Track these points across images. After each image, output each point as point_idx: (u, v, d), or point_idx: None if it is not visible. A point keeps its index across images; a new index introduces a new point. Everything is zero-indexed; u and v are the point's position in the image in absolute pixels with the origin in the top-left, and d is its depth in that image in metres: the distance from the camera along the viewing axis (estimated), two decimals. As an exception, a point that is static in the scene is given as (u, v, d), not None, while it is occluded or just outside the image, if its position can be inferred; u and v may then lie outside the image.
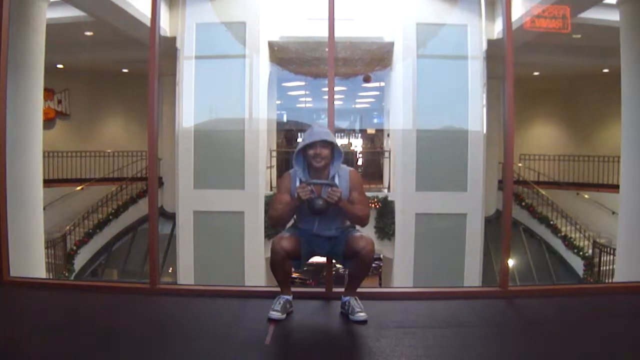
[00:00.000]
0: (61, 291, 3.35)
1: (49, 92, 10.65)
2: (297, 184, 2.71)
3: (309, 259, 2.81)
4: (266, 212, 8.21)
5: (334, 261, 3.03)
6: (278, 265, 2.65)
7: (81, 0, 6.99)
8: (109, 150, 11.07)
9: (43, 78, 5.51)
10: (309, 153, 2.70)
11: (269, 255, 2.67)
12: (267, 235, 8.11)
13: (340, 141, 14.02)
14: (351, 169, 2.86)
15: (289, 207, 2.70)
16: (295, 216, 2.85)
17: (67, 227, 9.35)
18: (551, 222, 9.93)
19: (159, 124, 3.40)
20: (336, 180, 2.73)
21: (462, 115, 8.16)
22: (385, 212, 8.57)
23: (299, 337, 2.57)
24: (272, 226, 3.03)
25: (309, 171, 2.75)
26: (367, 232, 2.78)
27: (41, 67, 5.44)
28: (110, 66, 10.61)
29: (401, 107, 8.39)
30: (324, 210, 2.62)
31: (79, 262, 9.36)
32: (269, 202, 8.24)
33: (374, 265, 13.91)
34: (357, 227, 2.87)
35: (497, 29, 8.01)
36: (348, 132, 15.58)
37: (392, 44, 8.61)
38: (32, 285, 3.39)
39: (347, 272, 2.86)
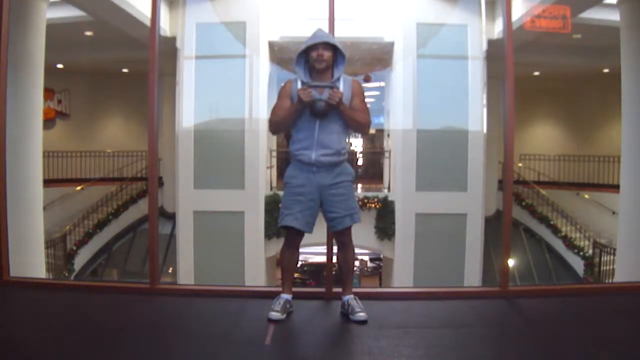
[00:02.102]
0: (61, 291, 3.35)
1: (49, 92, 10.64)
2: (299, 87, 2.66)
3: (315, 215, 2.73)
4: (266, 212, 8.21)
5: (334, 260, 3.03)
6: (291, 251, 2.71)
7: (81, 0, 6.99)
8: (109, 150, 11.07)
9: (43, 78, 5.52)
10: (311, 55, 2.64)
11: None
12: (267, 235, 8.11)
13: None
14: (353, 78, 2.80)
15: (290, 111, 2.66)
16: (293, 130, 2.75)
17: (67, 227, 9.35)
18: (551, 222, 9.93)
19: (159, 124, 3.40)
20: (339, 85, 2.68)
21: (462, 115, 8.16)
22: (385, 212, 8.57)
23: (299, 337, 2.57)
24: (272, 133, 2.97)
25: (312, 76, 2.69)
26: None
27: (41, 67, 5.45)
28: (110, 66, 10.60)
29: (401, 107, 8.39)
30: (325, 112, 2.58)
31: (79, 262, 9.36)
32: (271, 203, 8.26)
33: (374, 265, 13.95)
34: (353, 193, 2.80)
35: (497, 29, 8.01)
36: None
37: (392, 44, 8.62)
38: (32, 285, 3.38)
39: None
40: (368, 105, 2.83)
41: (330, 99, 2.57)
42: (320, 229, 2.98)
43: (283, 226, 2.68)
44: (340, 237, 2.74)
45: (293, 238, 2.72)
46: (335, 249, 2.93)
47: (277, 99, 2.78)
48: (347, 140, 2.78)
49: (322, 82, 2.65)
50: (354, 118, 2.67)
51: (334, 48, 2.66)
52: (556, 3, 5.30)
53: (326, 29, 3.20)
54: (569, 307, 2.99)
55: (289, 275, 2.80)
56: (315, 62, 2.64)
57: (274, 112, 2.74)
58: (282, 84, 2.82)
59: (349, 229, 2.72)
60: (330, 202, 2.68)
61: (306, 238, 2.77)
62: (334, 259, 3.01)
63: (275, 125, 2.75)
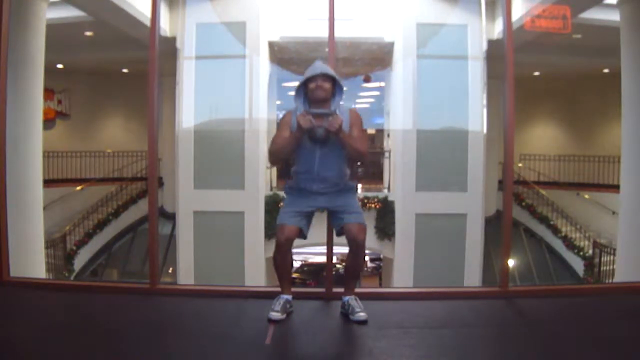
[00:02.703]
0: (61, 291, 3.35)
1: (49, 92, 10.64)
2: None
3: (311, 221, 2.77)
4: (266, 212, 8.21)
5: (334, 260, 3.03)
6: (282, 256, 2.67)
7: (81, 0, 6.99)
8: (109, 150, 11.07)
9: (43, 78, 5.52)
10: (310, 86, 2.68)
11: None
12: (267, 235, 8.11)
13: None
14: (351, 107, 2.84)
15: (289, 141, 2.68)
16: (294, 160, 2.79)
17: (67, 227, 9.35)
18: (551, 222, 9.93)
19: (159, 124, 3.39)
20: (337, 113, 2.71)
21: (462, 115, 8.16)
22: (385, 212, 8.57)
23: (299, 337, 2.57)
24: (271, 163, 3.00)
25: (310, 106, 2.72)
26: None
27: (41, 67, 5.45)
28: (110, 66, 10.61)
29: (401, 107, 8.39)
30: (324, 139, 2.61)
31: (79, 262, 9.36)
32: (271, 203, 8.26)
33: (374, 265, 13.95)
34: (357, 203, 2.82)
35: (497, 29, 8.01)
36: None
37: (392, 44, 8.61)
38: (32, 285, 3.38)
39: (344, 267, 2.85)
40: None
41: (330, 125, 2.59)
42: (321, 229, 2.98)
43: (278, 224, 2.71)
44: (351, 234, 2.66)
45: (283, 241, 2.65)
46: (337, 250, 2.93)
47: (277, 129, 2.80)
48: (347, 170, 2.80)
49: (321, 109, 2.67)
50: (353, 146, 2.68)
51: (332, 80, 2.69)
52: (556, 3, 5.30)
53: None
54: (569, 307, 2.99)
55: (287, 277, 2.80)
56: (314, 93, 2.67)
57: (273, 142, 2.76)
58: (282, 115, 2.84)
59: (359, 228, 2.67)
60: (333, 207, 2.75)
61: (306, 239, 2.77)
62: (334, 259, 3.01)
63: (275, 155, 2.77)
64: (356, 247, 2.67)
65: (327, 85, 2.67)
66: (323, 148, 2.66)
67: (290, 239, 2.65)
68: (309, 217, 2.75)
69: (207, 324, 2.69)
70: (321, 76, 2.67)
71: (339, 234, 2.78)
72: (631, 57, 5.49)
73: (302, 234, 2.71)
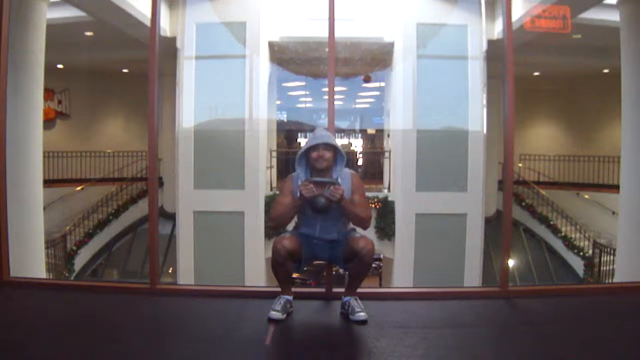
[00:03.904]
0: (61, 291, 3.35)
1: (49, 92, 10.65)
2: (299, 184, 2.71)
3: (309, 262, 2.84)
4: (266, 212, 8.20)
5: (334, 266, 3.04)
6: (280, 264, 2.65)
7: (81, 0, 6.99)
8: (109, 150, 11.07)
9: (43, 78, 5.52)
10: (312, 155, 2.72)
11: (269, 255, 2.68)
12: (267, 235, 8.11)
13: (341, 141, 14.03)
14: (352, 172, 2.87)
15: (291, 207, 2.71)
16: (296, 220, 2.87)
17: (67, 227, 9.35)
18: (551, 223, 9.93)
19: (159, 124, 3.39)
20: (339, 181, 2.73)
21: (462, 115, 8.15)
22: (385, 212, 8.57)
23: (299, 337, 2.57)
24: (272, 229, 3.05)
25: (312, 174, 2.76)
26: (367, 232, 2.77)
27: (41, 67, 5.44)
28: (110, 66, 10.60)
29: (401, 107, 8.38)
30: (326, 209, 2.63)
31: (79, 262, 9.36)
32: (271, 203, 8.25)
33: (374, 265, 13.93)
34: (358, 229, 2.86)
35: (497, 29, 8.00)
36: (348, 132, 15.59)
37: (392, 44, 8.61)
38: (32, 285, 3.39)
39: (347, 273, 2.86)
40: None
41: (331, 195, 2.60)
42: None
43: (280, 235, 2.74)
44: (359, 252, 2.61)
45: (282, 243, 2.62)
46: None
47: (279, 195, 2.85)
48: (347, 227, 2.84)
49: (323, 178, 2.69)
50: (355, 213, 2.71)
51: (334, 148, 2.73)
52: (556, 3, 5.30)
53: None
54: (569, 307, 2.99)
55: (287, 280, 2.80)
56: (316, 162, 2.71)
57: (274, 208, 2.80)
58: (284, 180, 2.90)
59: (365, 242, 2.63)
60: (334, 256, 2.80)
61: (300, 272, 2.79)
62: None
63: (277, 221, 2.79)
64: (363, 256, 2.60)
65: (329, 154, 2.71)
66: (325, 214, 2.68)
67: (288, 248, 2.61)
68: (308, 254, 2.77)
69: (207, 324, 2.69)
70: (323, 145, 2.70)
71: (347, 264, 2.73)
72: (631, 57, 5.49)
73: (297, 260, 2.71)
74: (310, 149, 2.72)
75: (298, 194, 2.65)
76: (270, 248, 2.67)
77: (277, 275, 2.75)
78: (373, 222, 8.47)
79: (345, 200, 2.65)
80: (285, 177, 2.89)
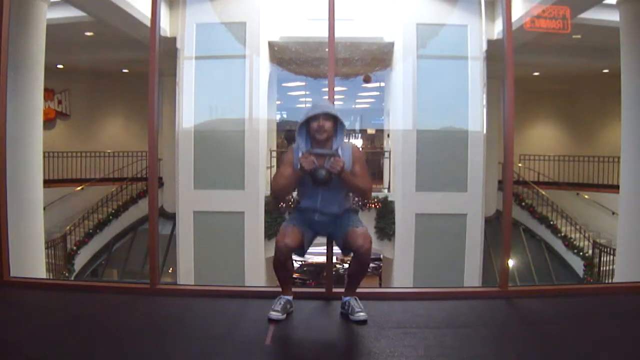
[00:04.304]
0: (61, 291, 3.35)
1: (49, 92, 10.65)
2: (300, 155, 2.69)
3: (311, 243, 2.81)
4: (266, 212, 8.21)
5: (334, 260, 3.03)
6: (282, 263, 2.65)
7: (81, 0, 6.99)
8: (109, 151, 11.07)
9: (43, 78, 5.52)
10: (312, 126, 2.69)
11: (269, 255, 2.69)
12: (267, 235, 8.11)
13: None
14: (353, 144, 2.85)
15: (291, 179, 2.70)
16: (297, 194, 2.84)
17: (67, 227, 9.35)
18: (551, 223, 9.93)
19: (159, 124, 3.39)
20: (339, 152, 2.72)
21: (462, 115, 8.15)
22: (385, 212, 8.56)
23: (299, 337, 2.57)
24: (273, 199, 3.06)
25: (312, 145, 2.74)
26: (367, 231, 2.76)
27: (41, 67, 5.45)
28: (110, 66, 10.60)
29: (401, 107, 8.39)
30: (326, 181, 2.62)
31: (79, 262, 9.36)
32: (271, 203, 8.26)
33: (374, 265, 13.92)
34: (359, 219, 2.83)
35: (497, 29, 8.01)
36: (348, 132, 15.58)
37: (392, 44, 8.61)
38: (32, 285, 3.39)
39: (346, 273, 2.86)
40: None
41: (332, 167, 2.60)
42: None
43: (282, 226, 2.73)
44: (357, 250, 2.61)
45: (284, 239, 2.62)
46: (337, 249, 2.93)
47: (280, 165, 2.84)
48: (349, 201, 2.83)
49: (323, 149, 2.68)
50: (356, 185, 2.71)
51: (334, 118, 2.70)
52: (556, 3, 5.30)
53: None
54: (569, 307, 2.99)
55: (287, 280, 2.80)
56: (316, 133, 2.69)
57: (275, 179, 2.78)
58: (284, 152, 2.84)
59: (365, 239, 2.61)
60: (334, 231, 2.78)
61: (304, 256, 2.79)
62: (334, 259, 3.01)
63: (277, 192, 2.79)
64: (361, 255, 2.61)
65: (329, 124, 2.69)
66: (325, 186, 2.67)
67: (291, 245, 2.62)
68: (310, 235, 2.78)
69: (207, 324, 2.69)
70: (323, 115, 2.68)
71: (344, 252, 2.77)
72: (631, 57, 5.49)
73: (301, 249, 2.71)
74: (310, 119, 2.69)
75: (298, 166, 2.63)
76: (270, 248, 2.68)
77: (278, 274, 2.75)
78: (373, 222, 8.47)
79: (345, 172, 2.63)
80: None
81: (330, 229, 2.80)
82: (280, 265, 2.67)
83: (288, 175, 2.71)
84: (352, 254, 2.69)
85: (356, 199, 3.34)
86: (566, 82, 11.05)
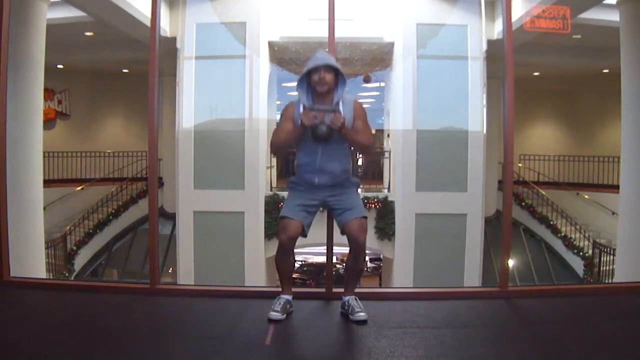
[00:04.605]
0: (61, 291, 3.35)
1: (49, 92, 10.65)
2: (301, 111, 2.67)
3: (311, 223, 2.76)
4: (266, 212, 8.21)
5: (334, 260, 3.03)
6: (284, 256, 2.68)
7: (81, 1, 6.99)
8: (109, 151, 11.07)
9: (43, 78, 5.52)
10: (313, 78, 2.66)
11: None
12: (267, 235, 8.11)
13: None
14: (355, 99, 2.82)
15: (292, 134, 2.68)
16: (297, 150, 2.79)
17: (67, 227, 9.35)
18: (551, 223, 9.93)
19: (159, 124, 3.39)
20: (340, 107, 2.69)
21: (462, 115, 8.16)
22: (385, 212, 8.57)
23: (299, 337, 2.57)
24: (274, 154, 3.03)
25: (313, 98, 2.71)
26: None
27: (41, 67, 5.45)
28: (110, 66, 10.61)
29: (401, 107, 8.39)
30: (327, 136, 2.60)
31: (79, 262, 9.37)
32: (271, 203, 8.26)
33: (373, 265, 13.95)
34: (358, 197, 2.81)
35: (497, 29, 8.01)
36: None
37: (392, 44, 8.61)
38: (32, 285, 3.38)
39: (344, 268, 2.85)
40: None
41: (332, 123, 2.58)
42: (321, 229, 2.98)
43: (281, 217, 2.70)
44: (352, 234, 2.65)
45: (286, 239, 2.64)
46: (337, 249, 2.93)
47: (279, 121, 2.80)
48: (350, 161, 2.80)
49: (324, 105, 2.66)
50: (357, 140, 2.69)
51: (335, 71, 2.68)
52: (556, 3, 5.30)
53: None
54: (569, 307, 2.99)
55: (287, 277, 2.80)
56: (317, 85, 2.66)
57: (275, 134, 2.76)
58: (285, 106, 2.83)
59: (360, 227, 2.65)
60: (334, 204, 2.74)
61: (307, 238, 2.78)
62: (334, 259, 3.01)
63: (277, 147, 2.77)
64: (357, 247, 2.66)
65: (330, 76, 2.65)
66: (326, 142, 2.65)
67: (293, 238, 2.65)
68: (311, 213, 2.74)
69: (207, 324, 2.69)
70: (324, 67, 2.64)
71: (342, 232, 2.78)
72: (631, 57, 5.49)
73: (303, 232, 2.71)
74: (311, 71, 2.66)
75: (299, 122, 2.61)
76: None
77: (279, 268, 2.75)
78: (373, 222, 8.48)
79: (346, 128, 2.62)
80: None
81: (331, 199, 2.73)
82: (283, 257, 2.68)
83: (288, 131, 2.69)
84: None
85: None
86: (566, 82, 11.05)
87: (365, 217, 2.72)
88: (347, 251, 2.74)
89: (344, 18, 7.51)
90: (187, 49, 7.98)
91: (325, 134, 2.60)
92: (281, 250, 2.68)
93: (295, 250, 2.80)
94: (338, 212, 2.73)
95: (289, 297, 2.76)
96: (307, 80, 2.71)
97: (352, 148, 2.80)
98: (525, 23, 5.07)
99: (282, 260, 2.71)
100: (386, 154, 10.03)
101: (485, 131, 8.16)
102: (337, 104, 2.70)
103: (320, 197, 2.74)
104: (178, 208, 8.18)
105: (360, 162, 12.92)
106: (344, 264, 2.86)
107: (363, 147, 2.73)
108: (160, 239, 3.71)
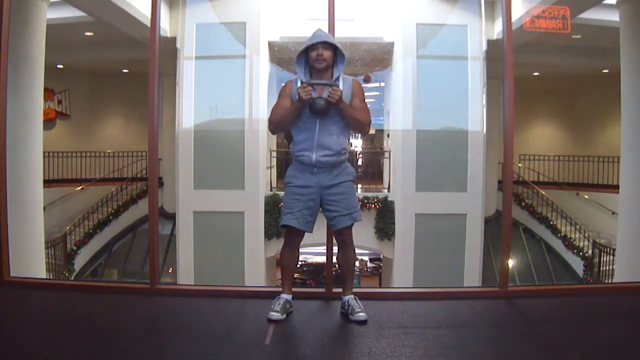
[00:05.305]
0: (61, 291, 3.35)
1: (49, 92, 10.65)
2: (298, 85, 2.68)
3: (316, 212, 2.74)
4: (266, 212, 8.21)
5: (334, 260, 3.03)
6: (290, 252, 2.74)
7: (81, 1, 6.99)
8: (109, 151, 11.07)
9: (43, 78, 5.51)
10: (311, 55, 2.66)
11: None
12: (267, 236, 8.11)
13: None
14: (353, 77, 2.82)
15: (290, 110, 2.68)
16: (293, 130, 2.77)
17: (67, 227, 9.35)
18: (551, 223, 9.93)
19: (159, 124, 3.39)
20: (339, 84, 2.70)
21: (462, 115, 8.16)
22: (385, 212, 8.57)
23: (299, 337, 2.57)
24: (272, 132, 2.96)
25: (311, 75, 2.71)
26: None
27: (41, 67, 5.44)
28: (110, 66, 10.61)
29: (401, 107, 8.39)
30: (324, 110, 2.60)
31: (79, 262, 9.37)
32: (271, 203, 8.26)
33: (373, 265, 13.95)
34: (354, 193, 2.81)
35: (497, 29, 8.01)
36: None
37: (392, 44, 8.62)
38: (32, 285, 3.38)
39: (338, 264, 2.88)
40: (368, 105, 2.82)
41: (329, 96, 2.58)
42: (320, 228, 2.98)
43: (283, 225, 2.72)
44: (340, 236, 2.75)
45: (293, 237, 2.74)
46: (335, 249, 2.94)
47: (278, 98, 2.79)
48: (347, 140, 2.79)
49: (322, 80, 2.66)
50: (354, 116, 2.68)
51: (333, 48, 2.67)
52: (556, 3, 5.30)
53: (326, 30, 3.21)
54: (569, 307, 2.99)
55: (289, 275, 2.81)
56: (315, 62, 2.65)
57: (273, 111, 2.75)
58: (283, 84, 2.83)
59: (349, 228, 2.72)
60: (330, 202, 2.70)
61: (306, 238, 2.79)
62: (334, 259, 3.02)
63: (275, 124, 2.76)
64: (342, 244, 2.76)
65: (328, 53, 2.65)
66: (323, 117, 2.64)
67: (299, 241, 2.75)
68: (313, 209, 2.71)
69: (207, 324, 2.69)
70: (322, 44, 2.64)
71: (330, 227, 2.81)
72: (631, 57, 5.49)
73: (308, 227, 2.75)
74: (309, 48, 2.67)
75: (297, 97, 2.61)
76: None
77: (283, 264, 2.78)
78: (373, 222, 8.48)
79: (343, 102, 2.62)
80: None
81: (328, 195, 2.69)
82: (289, 253, 2.74)
83: (286, 107, 2.69)
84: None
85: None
86: (566, 82, 11.05)
87: (360, 220, 2.75)
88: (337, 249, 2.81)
89: (344, 18, 7.51)
90: (187, 49, 7.98)
91: (322, 107, 2.58)
92: (286, 245, 2.75)
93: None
94: (332, 215, 2.71)
95: (289, 297, 2.76)
96: (306, 59, 2.71)
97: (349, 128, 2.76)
98: (525, 23, 5.07)
99: (288, 256, 2.76)
100: (386, 154, 10.04)
101: (485, 131, 8.16)
102: (337, 80, 2.70)
103: (318, 183, 2.68)
104: (178, 208, 8.18)
105: (360, 162, 12.96)
106: (337, 264, 2.91)
107: (360, 124, 2.71)
108: (160, 239, 3.72)
